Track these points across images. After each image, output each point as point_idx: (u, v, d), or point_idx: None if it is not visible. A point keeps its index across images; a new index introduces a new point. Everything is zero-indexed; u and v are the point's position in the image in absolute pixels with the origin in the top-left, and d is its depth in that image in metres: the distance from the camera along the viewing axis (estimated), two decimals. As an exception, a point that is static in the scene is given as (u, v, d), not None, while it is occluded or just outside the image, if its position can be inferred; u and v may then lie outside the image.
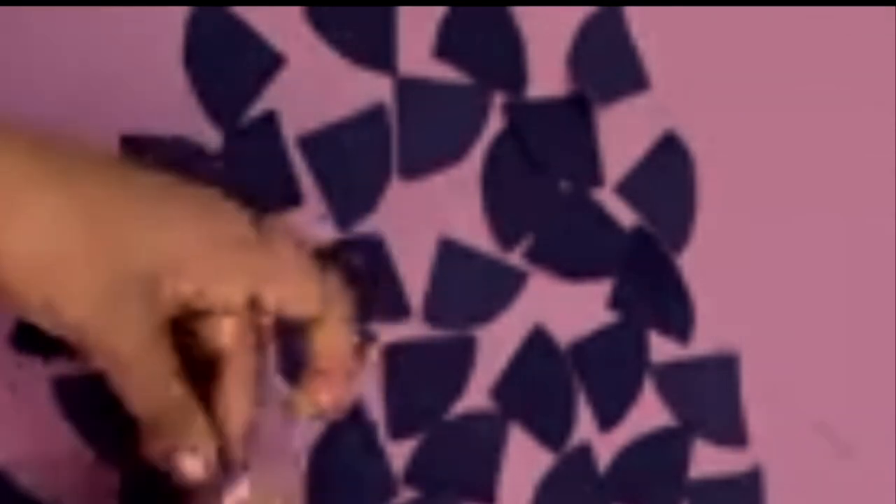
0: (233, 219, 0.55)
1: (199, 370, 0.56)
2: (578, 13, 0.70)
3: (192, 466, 0.54)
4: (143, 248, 0.52)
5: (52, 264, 0.51)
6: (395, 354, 0.68)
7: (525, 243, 0.70)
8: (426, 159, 0.68)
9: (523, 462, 0.70)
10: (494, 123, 0.69)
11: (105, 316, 0.52)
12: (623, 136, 0.71)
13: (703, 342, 0.72)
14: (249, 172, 0.65)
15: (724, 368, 0.73)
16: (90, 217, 0.51)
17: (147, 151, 0.63)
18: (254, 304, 0.55)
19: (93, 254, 0.51)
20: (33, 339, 0.62)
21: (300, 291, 0.56)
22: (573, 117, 0.70)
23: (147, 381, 0.53)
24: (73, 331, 0.52)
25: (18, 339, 0.62)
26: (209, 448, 0.54)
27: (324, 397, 0.57)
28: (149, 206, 0.53)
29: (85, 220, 0.51)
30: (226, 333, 0.55)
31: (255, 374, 0.56)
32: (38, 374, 0.63)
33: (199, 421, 0.55)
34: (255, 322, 0.56)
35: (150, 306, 0.53)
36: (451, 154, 0.69)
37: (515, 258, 0.70)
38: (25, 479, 0.63)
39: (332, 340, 0.57)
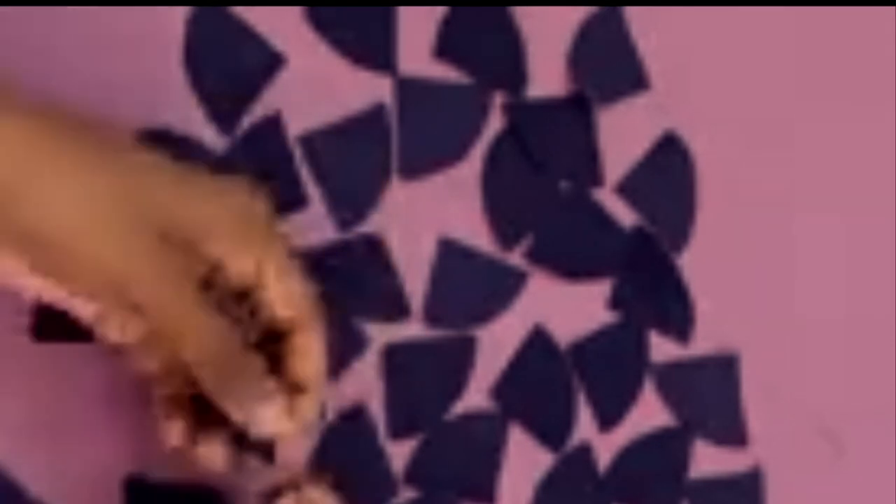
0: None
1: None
2: (578, 13, 0.70)
3: (268, 413, 0.56)
4: (177, 214, 0.55)
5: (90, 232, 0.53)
6: (395, 354, 0.68)
7: (525, 243, 0.70)
8: (426, 159, 0.68)
9: (523, 462, 0.70)
10: (494, 123, 0.69)
11: (152, 269, 0.54)
12: (623, 136, 0.71)
13: (703, 342, 0.72)
14: (251, 174, 0.65)
15: (724, 368, 0.73)
16: (123, 189, 0.54)
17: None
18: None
19: (127, 220, 0.53)
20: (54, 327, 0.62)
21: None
22: (573, 117, 0.70)
23: (200, 326, 0.55)
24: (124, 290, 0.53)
25: (38, 329, 0.62)
26: (275, 391, 0.56)
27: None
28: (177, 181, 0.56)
29: (117, 192, 0.53)
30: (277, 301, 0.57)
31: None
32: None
33: (260, 364, 0.56)
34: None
35: (189, 263, 0.55)
36: (451, 154, 0.69)
37: (515, 258, 0.70)
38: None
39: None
